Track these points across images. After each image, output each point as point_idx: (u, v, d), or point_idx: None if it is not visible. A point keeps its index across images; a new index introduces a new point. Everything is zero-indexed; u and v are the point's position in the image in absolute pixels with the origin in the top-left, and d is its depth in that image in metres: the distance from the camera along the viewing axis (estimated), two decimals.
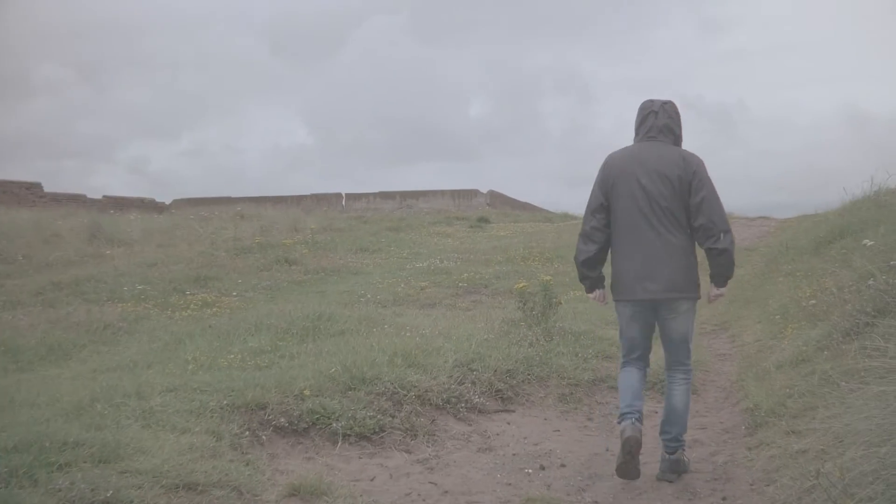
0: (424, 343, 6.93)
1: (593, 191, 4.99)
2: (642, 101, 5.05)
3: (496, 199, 32.82)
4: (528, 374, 6.85)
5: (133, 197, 30.15)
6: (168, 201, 32.14)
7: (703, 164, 4.87)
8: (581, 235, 5.01)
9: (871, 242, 7.54)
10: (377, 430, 5.49)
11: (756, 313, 9.41)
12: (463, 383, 6.34)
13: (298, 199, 32.28)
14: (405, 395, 5.90)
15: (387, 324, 8.26)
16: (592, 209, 4.96)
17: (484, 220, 23.80)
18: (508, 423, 6.09)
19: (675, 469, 4.89)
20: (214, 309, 10.66)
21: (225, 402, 5.37)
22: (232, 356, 6.93)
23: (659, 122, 4.92)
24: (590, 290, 5.15)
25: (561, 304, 8.15)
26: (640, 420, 4.78)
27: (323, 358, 6.52)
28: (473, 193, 32.65)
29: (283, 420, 5.36)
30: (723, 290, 5.01)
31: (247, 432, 5.10)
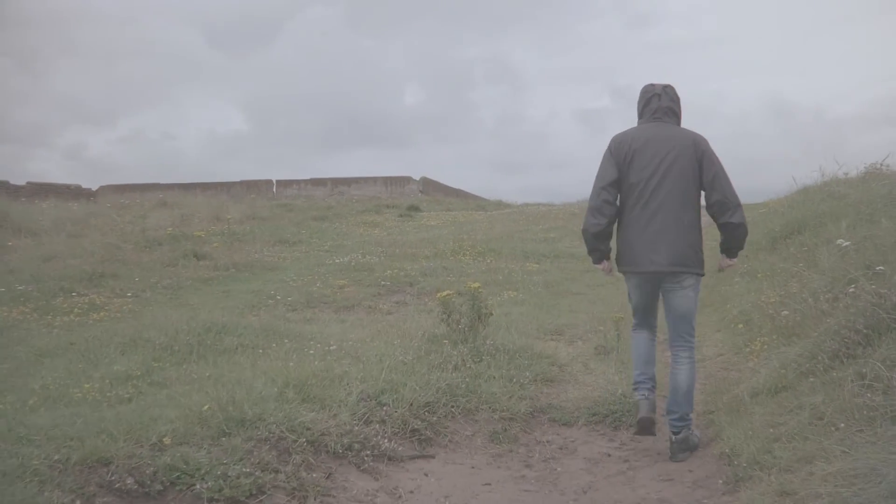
0: (325, 369, 5.62)
1: (604, 167, 5.08)
2: (644, 85, 5.22)
3: (429, 185, 32.75)
4: (452, 407, 5.54)
5: (59, 183, 29.64)
6: (98, 188, 30.99)
7: (709, 143, 5.03)
8: (591, 209, 5.09)
9: (847, 243, 6.52)
10: (254, 492, 4.16)
11: (714, 320, 8.39)
12: (370, 422, 5.04)
13: (228, 186, 32.18)
14: (295, 442, 4.59)
15: (289, 336, 7.00)
16: (604, 184, 5.04)
17: (414, 208, 22.96)
18: (426, 475, 4.80)
19: (684, 448, 4.97)
20: (102, 313, 9.38)
21: (56, 456, 4.04)
22: (90, 384, 5.64)
23: (662, 104, 5.10)
24: (598, 261, 5.27)
25: (492, 314, 6.88)
26: (653, 389, 5.14)
27: (197, 389, 5.22)
28: (406, 180, 32.52)
29: (130, 480, 4.04)
30: (734, 260, 5.21)
31: (77, 501, 3.79)
